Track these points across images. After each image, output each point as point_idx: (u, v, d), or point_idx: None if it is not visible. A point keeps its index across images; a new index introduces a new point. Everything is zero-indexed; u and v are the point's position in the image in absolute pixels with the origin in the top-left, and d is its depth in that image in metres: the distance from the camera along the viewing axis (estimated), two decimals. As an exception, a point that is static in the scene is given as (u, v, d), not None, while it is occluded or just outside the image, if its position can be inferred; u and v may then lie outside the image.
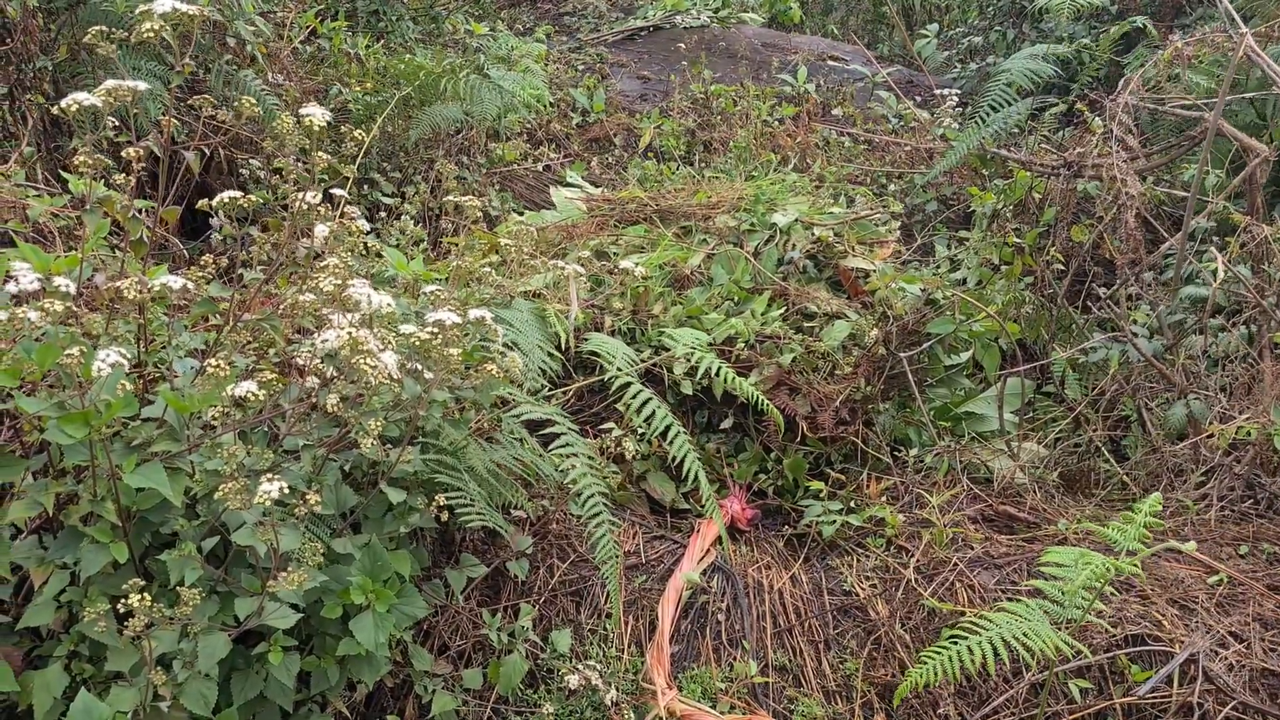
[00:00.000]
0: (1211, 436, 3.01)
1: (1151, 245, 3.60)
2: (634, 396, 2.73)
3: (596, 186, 5.96)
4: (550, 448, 2.63)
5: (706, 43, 8.55)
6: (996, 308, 3.92)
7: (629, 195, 4.61)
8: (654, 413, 2.72)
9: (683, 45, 8.45)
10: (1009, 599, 2.84)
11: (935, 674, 2.16)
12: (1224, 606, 2.72)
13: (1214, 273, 3.13)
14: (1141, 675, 2.55)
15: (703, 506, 2.85)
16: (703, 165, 6.42)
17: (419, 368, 2.30)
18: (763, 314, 3.86)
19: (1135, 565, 2.21)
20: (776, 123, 6.94)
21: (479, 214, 2.76)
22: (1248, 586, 2.76)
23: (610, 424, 3.37)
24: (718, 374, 3.01)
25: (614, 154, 7.00)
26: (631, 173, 6.34)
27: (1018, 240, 3.80)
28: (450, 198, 2.80)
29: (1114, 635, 2.63)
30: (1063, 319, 3.93)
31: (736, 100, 7.19)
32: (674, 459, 2.77)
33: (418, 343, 2.17)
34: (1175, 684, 2.52)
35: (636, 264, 3.68)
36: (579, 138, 7.24)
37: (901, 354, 3.70)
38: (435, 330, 2.13)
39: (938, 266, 4.30)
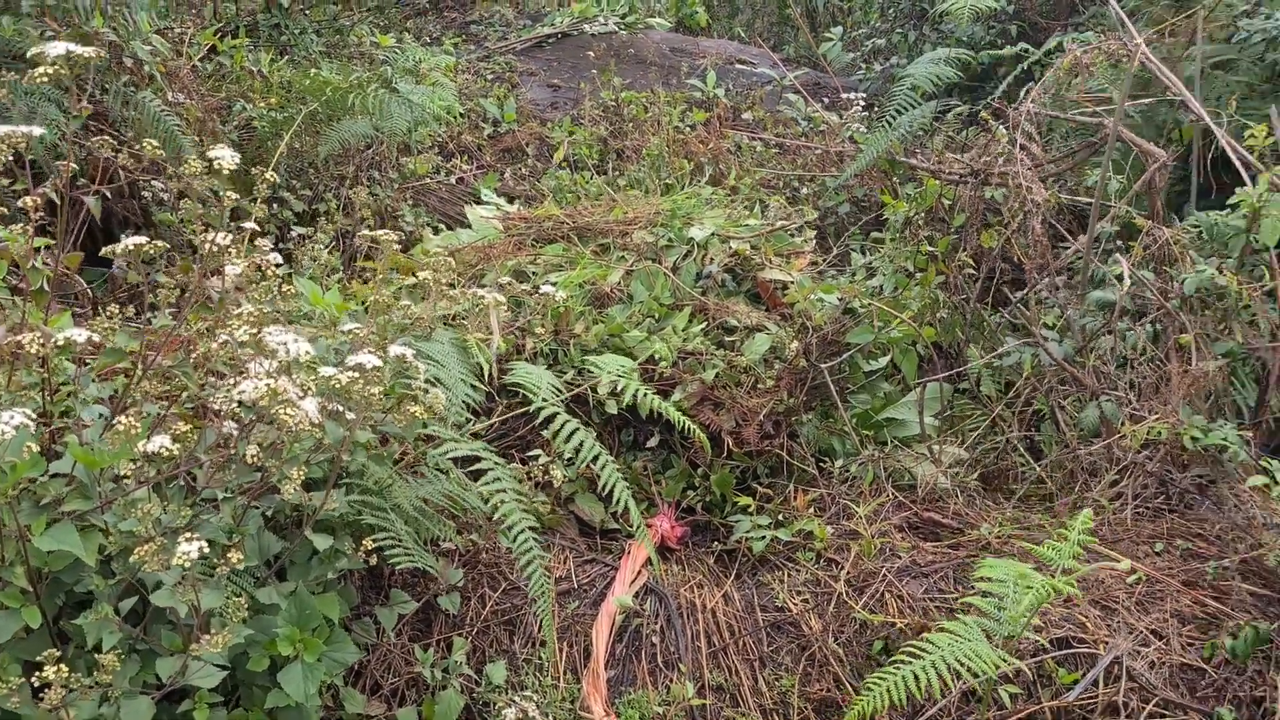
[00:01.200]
0: (1124, 437, 3.10)
1: (1059, 249, 3.70)
2: (561, 427, 2.71)
3: (511, 199, 5.92)
4: (478, 483, 2.60)
5: (615, 49, 8.54)
6: (912, 313, 3.98)
7: (545, 213, 4.59)
8: (582, 443, 2.70)
9: (591, 52, 8.43)
10: (937, 607, 2.88)
11: (882, 701, 2.18)
12: (1143, 605, 2.80)
13: (1119, 277, 3.21)
14: (1069, 678, 2.61)
15: (632, 527, 2.84)
16: (617, 174, 6.41)
17: (340, 408, 2.26)
18: (684, 330, 3.87)
19: (1073, 584, 2.25)
20: (688, 129, 6.96)
21: (396, 247, 2.71)
22: (1165, 583, 2.84)
23: (537, 450, 3.35)
24: (642, 398, 3.00)
25: (527, 164, 6.96)
26: (546, 183, 6.31)
27: (930, 248, 3.88)
28: (366, 231, 2.75)
29: (1040, 641, 2.69)
30: (976, 322, 4.01)
31: (647, 107, 7.19)
32: (603, 486, 2.75)
33: (338, 386, 2.13)
34: (1101, 684, 2.59)
35: (556, 285, 3.66)
36: (491, 148, 7.18)
37: (822, 364, 3.74)
38: (355, 374, 2.09)
39: (854, 275, 4.36)
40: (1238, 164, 3.23)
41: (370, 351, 2.12)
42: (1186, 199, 3.84)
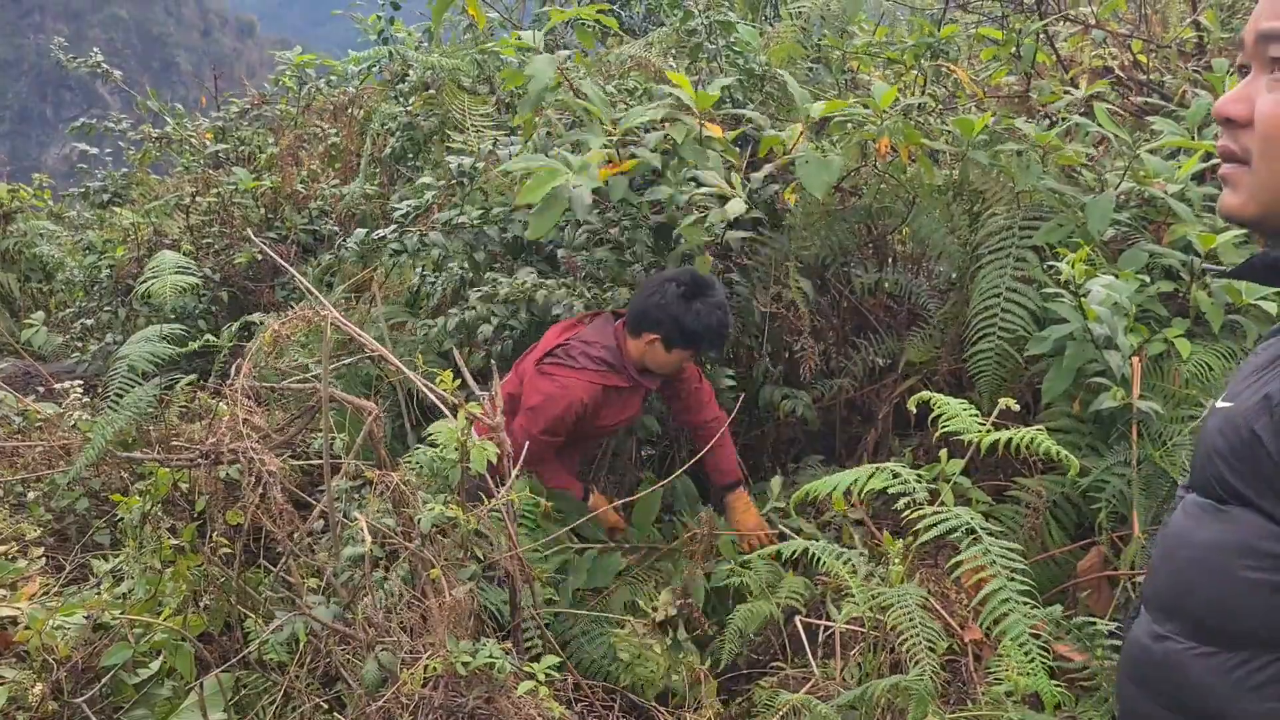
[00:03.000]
0: (405, 682, 3.18)
1: (305, 513, 3.76)
2: None
3: None
4: None
5: None
6: (171, 609, 3.74)
7: None
8: None
9: None
10: None
11: None
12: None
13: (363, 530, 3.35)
14: None
15: None
16: None
17: None
18: (-112, 711, 3.17)
19: None
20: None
21: None
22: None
23: None
24: None
25: None
26: None
27: (175, 540, 3.70)
28: None
29: None
30: (245, 598, 3.89)
31: None
32: None
33: None
34: None
35: None
36: None
37: (79, 699, 3.32)
38: None
39: (99, 585, 3.98)
40: (438, 403, 3.60)
41: None
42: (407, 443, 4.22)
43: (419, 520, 3.29)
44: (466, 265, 4.45)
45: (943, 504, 2.96)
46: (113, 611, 3.59)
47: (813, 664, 3.56)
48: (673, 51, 5.10)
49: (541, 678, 3.14)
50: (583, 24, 5.08)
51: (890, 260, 5.55)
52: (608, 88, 4.37)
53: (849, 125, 4.38)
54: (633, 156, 3.96)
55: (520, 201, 3.47)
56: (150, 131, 7.94)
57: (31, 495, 5.44)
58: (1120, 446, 3.81)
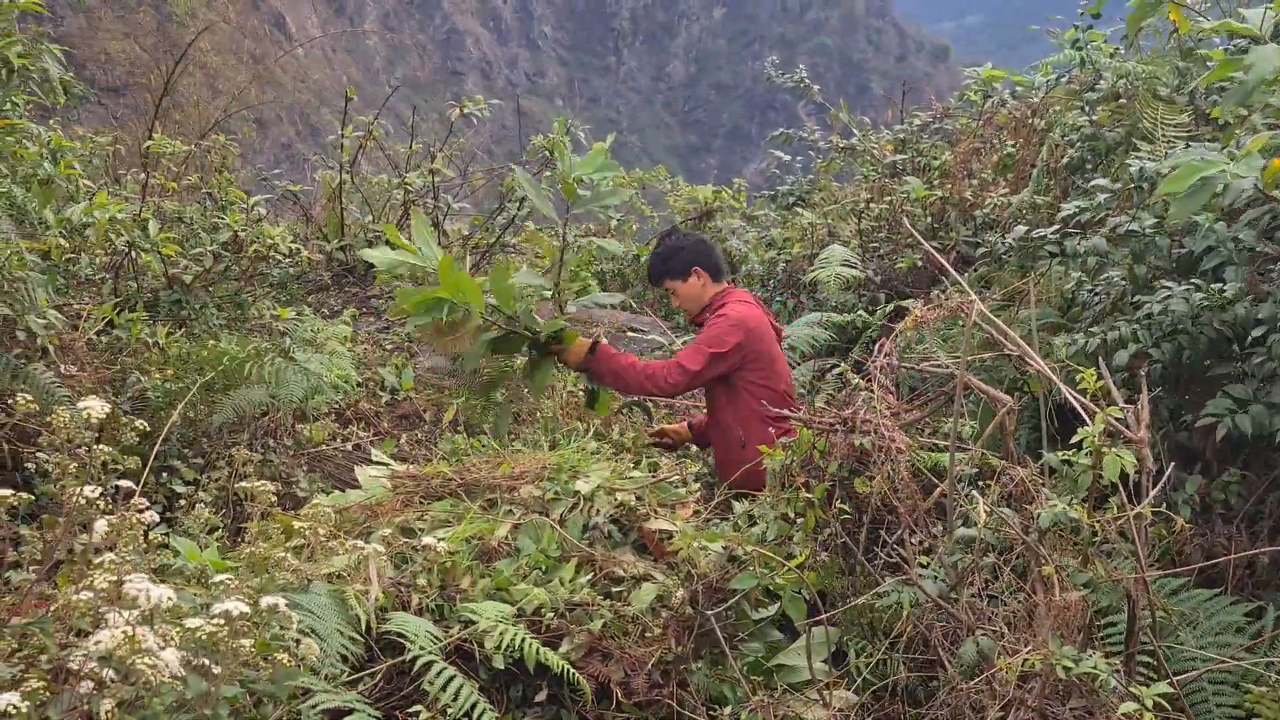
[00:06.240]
0: (1003, 670, 3.15)
1: (927, 492, 3.88)
2: (438, 675, 2.68)
3: (406, 463, 5.96)
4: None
5: (511, 319, 8.87)
6: (799, 559, 4.06)
7: (434, 471, 4.65)
8: (459, 690, 2.67)
9: (488, 322, 8.73)
10: None
11: None
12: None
13: (984, 513, 3.38)
14: None
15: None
16: (513, 436, 6.53)
17: (206, 663, 2.21)
18: (571, 581, 3.89)
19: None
20: (581, 392, 7.19)
21: (273, 499, 2.74)
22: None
23: (418, 707, 3.26)
24: (522, 646, 2.99)
25: (423, 430, 7.07)
26: (442, 447, 6.39)
27: (807, 495, 4.02)
28: (243, 484, 2.78)
29: None
30: (855, 567, 4.11)
31: (542, 372, 7.42)
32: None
33: (204, 636, 2.10)
34: None
35: (441, 539, 3.67)
36: (388, 415, 7.30)
37: (709, 611, 3.77)
38: (222, 621, 2.08)
39: (737, 523, 4.47)
40: (1077, 406, 3.49)
41: (238, 599, 2.12)
42: (1039, 442, 4.14)
43: (1038, 515, 3.24)
44: (1126, 277, 4.22)
45: None
46: (745, 547, 4.01)
47: None
48: None
49: (1149, 704, 2.91)
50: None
51: None
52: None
53: None
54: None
55: (1162, 192, 3.26)
56: (838, 142, 8.62)
57: (694, 449, 6.26)
58: None
